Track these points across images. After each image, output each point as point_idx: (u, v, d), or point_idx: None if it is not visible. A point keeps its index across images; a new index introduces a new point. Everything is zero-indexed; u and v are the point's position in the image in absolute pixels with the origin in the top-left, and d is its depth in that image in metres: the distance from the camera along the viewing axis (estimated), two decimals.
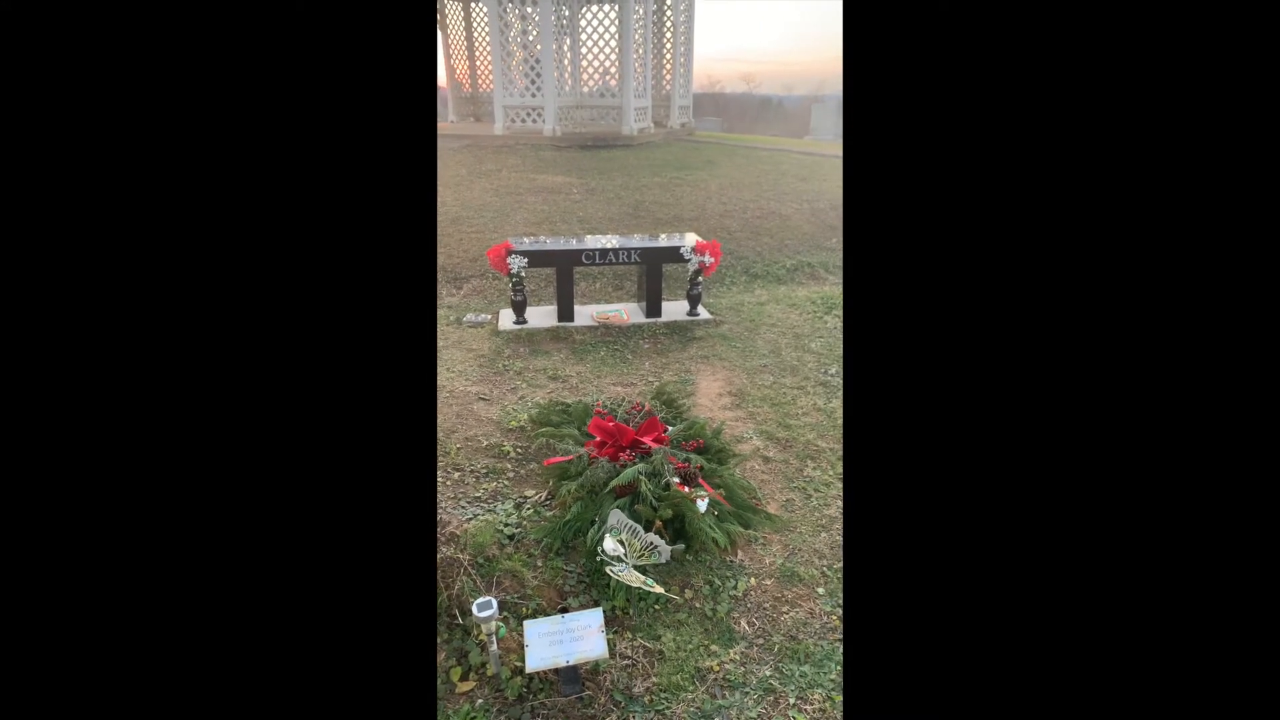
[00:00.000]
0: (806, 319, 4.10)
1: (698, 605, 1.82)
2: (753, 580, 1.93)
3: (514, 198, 6.09)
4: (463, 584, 1.68)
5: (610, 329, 3.84)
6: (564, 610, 1.74)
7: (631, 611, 1.76)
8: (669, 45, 11.11)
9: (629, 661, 1.64)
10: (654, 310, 3.99)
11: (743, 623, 1.79)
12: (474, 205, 5.82)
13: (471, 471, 2.39)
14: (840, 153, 7.74)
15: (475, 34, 11.66)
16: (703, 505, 2.01)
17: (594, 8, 9.81)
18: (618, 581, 1.66)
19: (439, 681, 1.55)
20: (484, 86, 11.78)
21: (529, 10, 9.76)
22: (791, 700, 1.56)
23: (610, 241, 3.91)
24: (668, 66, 11.26)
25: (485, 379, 3.17)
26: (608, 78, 10.04)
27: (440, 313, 4.03)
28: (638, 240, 3.96)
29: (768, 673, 1.63)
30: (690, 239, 3.95)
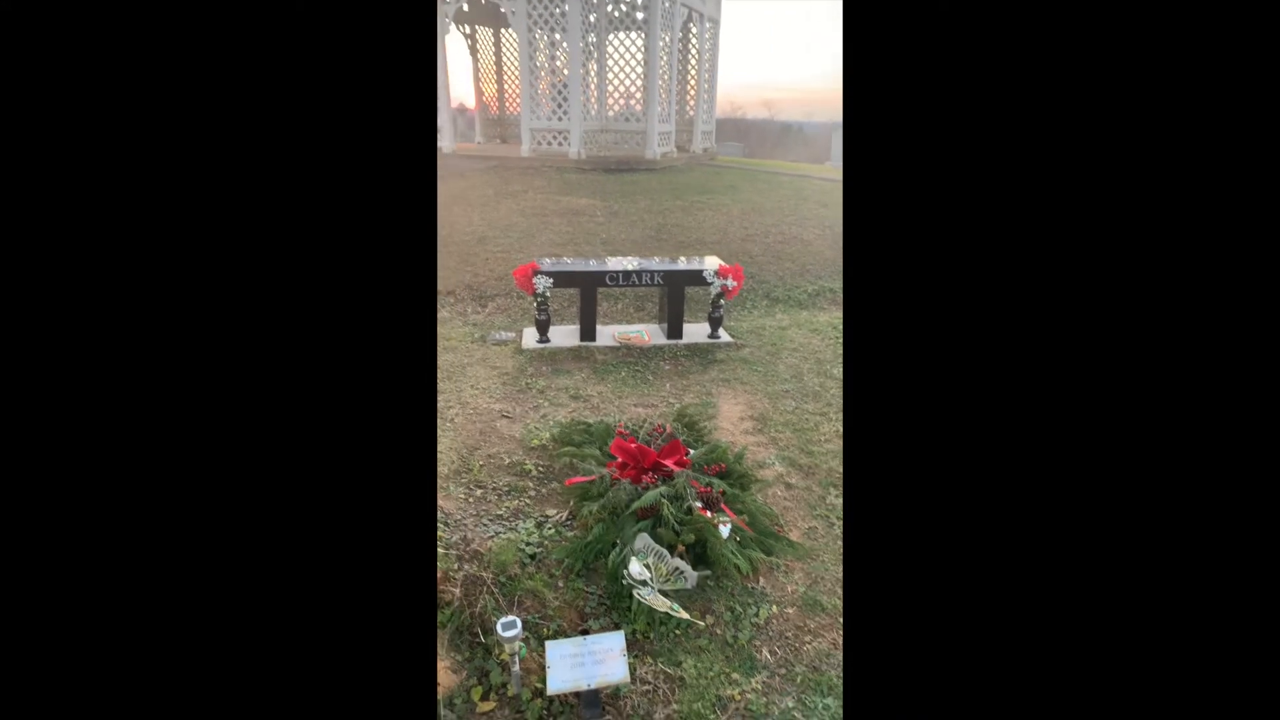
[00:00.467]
0: (829, 344, 4.09)
1: (719, 632, 1.81)
2: (775, 608, 1.91)
3: (539, 219, 6.18)
4: (485, 602, 1.69)
5: (631, 350, 3.87)
6: (585, 632, 1.74)
7: (652, 636, 1.75)
8: (693, 71, 11.29)
9: (649, 687, 1.63)
10: (675, 332, 4.01)
11: (764, 651, 1.77)
12: (500, 225, 5.92)
13: (494, 489, 2.41)
14: None
15: (504, 58, 11.95)
16: (725, 531, 2.01)
17: (621, 34, 10.01)
18: (639, 605, 1.66)
19: (460, 700, 1.55)
20: (512, 109, 12.04)
21: (557, 37, 9.99)
22: None
23: (632, 263, 3.95)
24: (691, 92, 11.43)
25: (509, 396, 3.20)
26: (632, 102, 10.21)
27: (465, 330, 4.09)
28: (661, 263, 4.00)
29: (790, 704, 1.61)
30: (712, 262, 3.97)
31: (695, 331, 4.11)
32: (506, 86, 12.11)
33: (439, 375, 3.40)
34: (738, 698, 1.62)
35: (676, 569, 1.67)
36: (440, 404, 3.06)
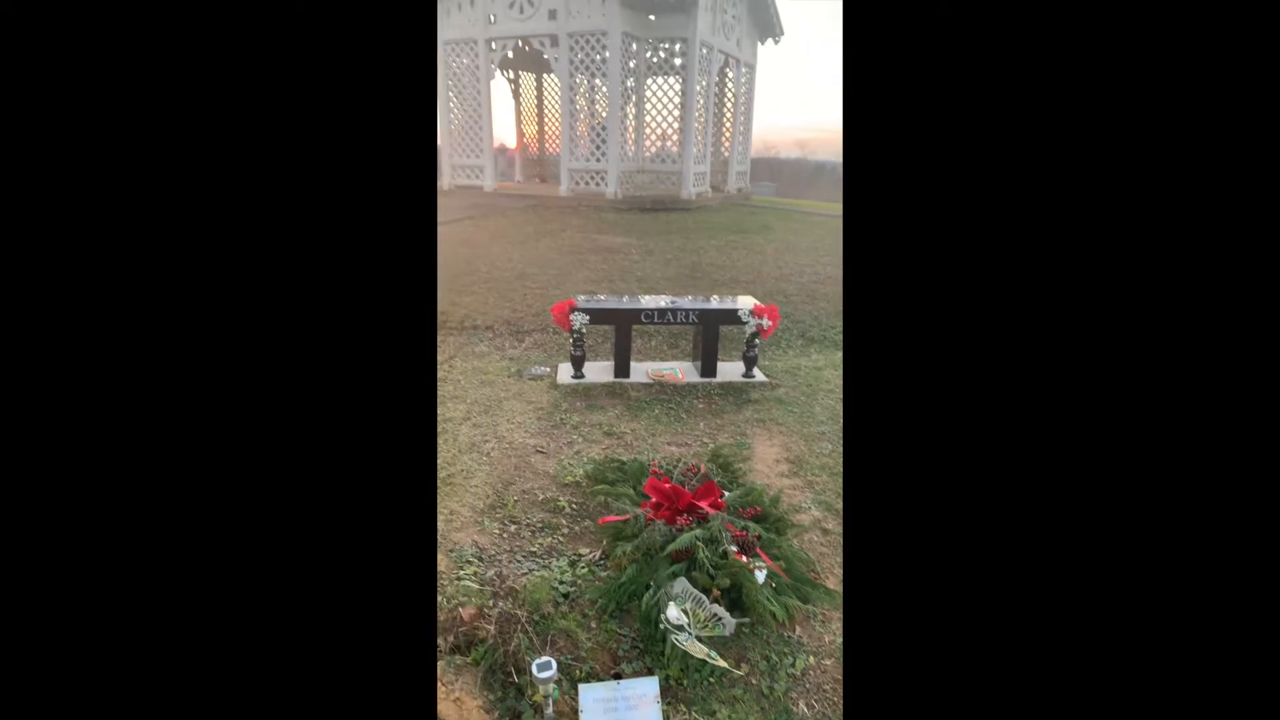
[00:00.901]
0: None
1: (754, 681, 1.76)
2: (811, 659, 1.86)
3: (576, 256, 6.31)
4: (519, 641, 1.68)
5: (665, 387, 3.88)
6: (618, 676, 1.71)
7: (686, 683, 1.72)
8: (729, 113, 11.53)
9: None
10: (709, 370, 4.01)
11: (801, 704, 1.72)
12: (539, 262, 6.06)
13: (527, 525, 2.42)
14: None
15: (546, 101, 12.39)
16: (761, 576, 1.97)
17: (659, 79, 10.33)
18: (673, 650, 1.63)
19: None
20: (551, 150, 12.43)
21: (597, 81, 10.36)
22: None
23: (667, 301, 3.99)
24: (727, 133, 11.66)
25: (543, 431, 3.23)
26: (668, 143, 10.45)
27: (502, 364, 4.16)
28: (695, 301, 4.04)
29: None
30: (747, 301, 3.99)
31: (729, 370, 4.11)
32: (547, 128, 12.53)
33: (477, 409, 3.45)
34: None
35: (714, 615, 1.65)
36: (477, 437, 3.11)
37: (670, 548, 2.00)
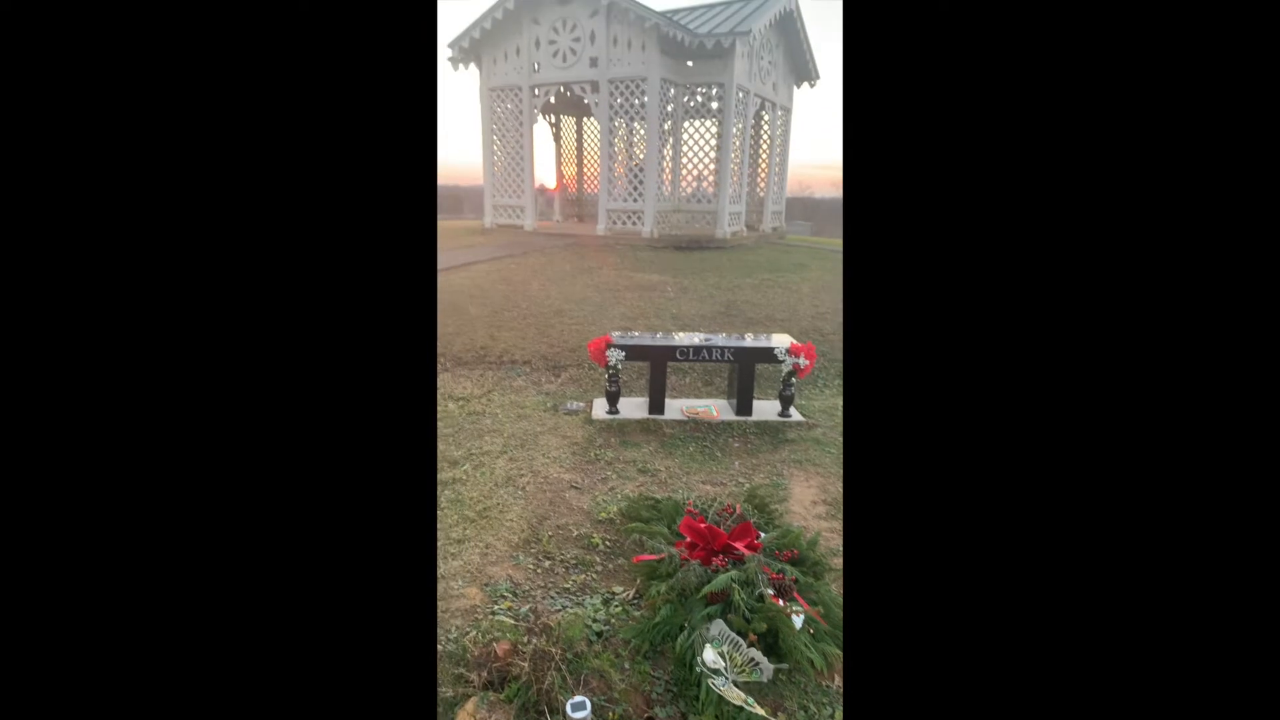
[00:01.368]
0: None
1: None
2: None
3: (612, 293, 6.41)
4: (553, 679, 1.67)
5: (700, 425, 3.87)
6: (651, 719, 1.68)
7: None
8: (764, 155, 11.69)
9: None
10: (745, 409, 3.99)
11: None
12: (575, 299, 6.18)
13: (561, 561, 2.42)
14: None
15: (585, 143, 12.78)
16: (798, 622, 1.93)
17: (696, 121, 10.57)
18: (708, 695, 1.60)
19: None
20: (589, 190, 12.76)
21: (635, 125, 10.66)
22: None
23: (700, 339, 4.02)
24: (762, 174, 11.80)
25: (578, 467, 3.24)
26: (704, 184, 10.63)
27: (538, 398, 4.22)
28: (731, 338, 4.05)
29: None
30: (783, 339, 3.98)
31: (765, 409, 4.08)
32: (585, 169, 12.90)
33: (514, 443, 3.50)
34: None
35: (752, 660, 1.61)
36: (513, 471, 3.14)
37: (705, 589, 1.98)
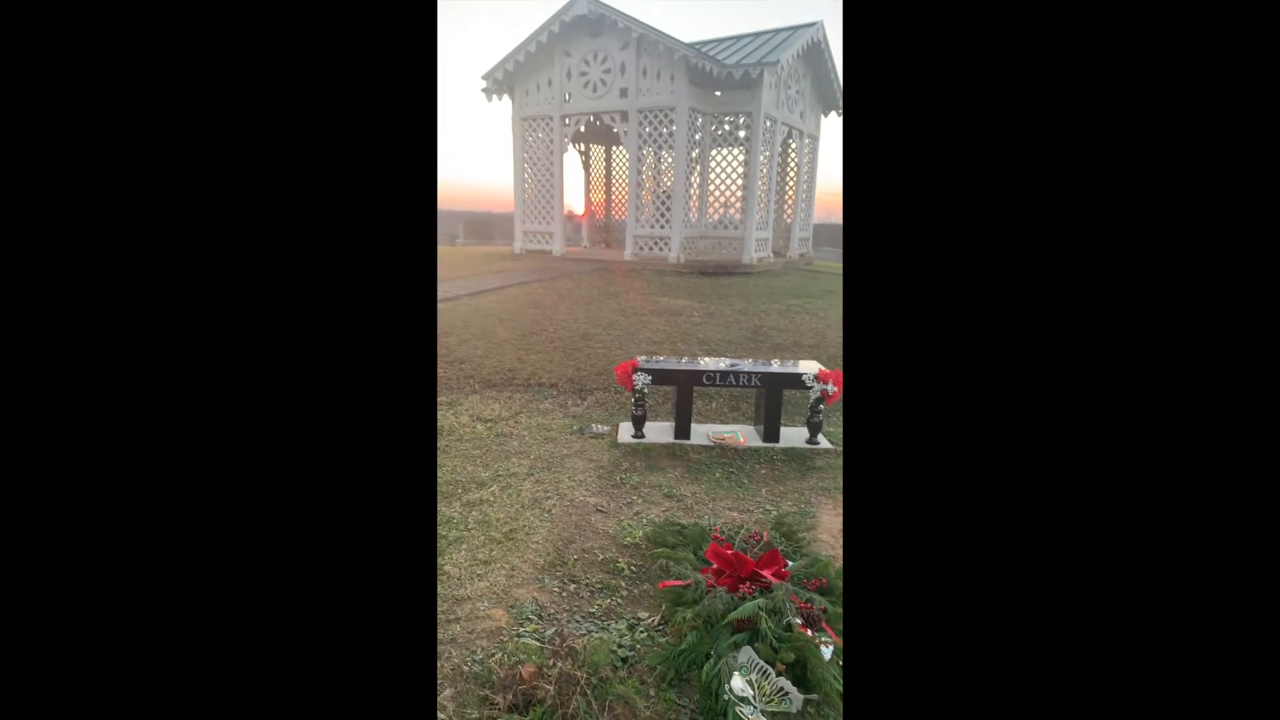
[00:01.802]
0: None
1: None
2: None
3: (638, 318, 6.46)
4: (578, 704, 1.66)
5: (726, 450, 3.85)
6: None
7: None
8: (791, 182, 11.75)
9: None
10: (772, 435, 3.96)
11: None
12: (602, 323, 6.23)
13: (587, 585, 2.41)
14: None
15: (614, 171, 13.01)
16: (827, 653, 1.89)
17: (723, 150, 10.70)
18: None
19: None
20: (617, 216, 12.94)
21: (663, 153, 10.83)
22: None
23: (726, 364, 4.01)
24: (790, 200, 11.85)
25: (603, 490, 3.25)
26: (731, 210, 10.70)
27: (564, 421, 4.24)
28: (758, 364, 4.04)
29: None
30: (810, 366, 3.96)
31: (792, 436, 4.05)
32: (614, 196, 13.10)
33: (540, 465, 3.52)
34: None
35: (781, 689, 1.59)
36: (540, 493, 3.16)
37: (732, 616, 1.95)
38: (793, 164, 11.65)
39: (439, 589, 2.32)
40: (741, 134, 10.12)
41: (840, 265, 13.26)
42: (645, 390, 3.87)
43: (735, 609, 1.99)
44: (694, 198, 10.18)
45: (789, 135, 10.99)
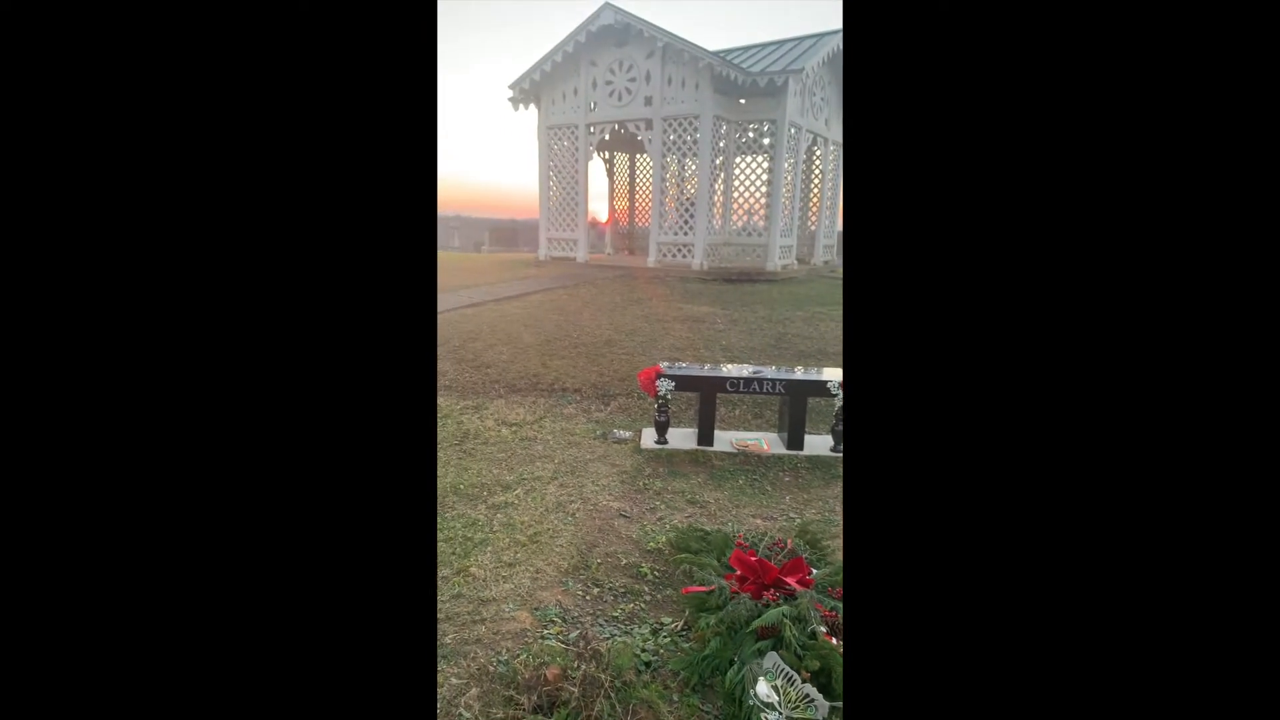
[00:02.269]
0: None
1: None
2: None
3: (661, 325, 6.47)
4: (602, 707, 1.67)
5: (749, 458, 3.83)
6: None
7: None
8: (816, 189, 11.70)
9: None
10: (796, 443, 3.94)
11: None
12: (625, 330, 6.26)
13: (610, 589, 2.42)
14: None
15: (638, 179, 13.08)
16: None
17: (747, 157, 10.70)
18: None
19: None
20: (641, 223, 13.00)
21: (687, 160, 10.86)
22: None
23: (750, 371, 4.00)
24: (814, 207, 11.79)
25: (626, 495, 3.26)
26: (755, 218, 10.69)
27: (588, 426, 4.27)
28: (781, 371, 4.02)
29: None
30: (834, 373, 3.93)
31: (817, 444, 4.02)
32: (637, 203, 13.17)
33: (564, 469, 3.54)
34: None
35: (807, 696, 1.58)
36: (564, 497, 3.18)
37: (756, 623, 1.95)
38: (817, 171, 11.59)
39: (465, 590, 2.35)
40: (766, 141, 10.11)
41: None
42: (668, 396, 3.88)
43: (759, 616, 1.98)
44: (718, 205, 10.19)
45: (813, 142, 10.95)
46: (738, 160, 10.62)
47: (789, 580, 2.17)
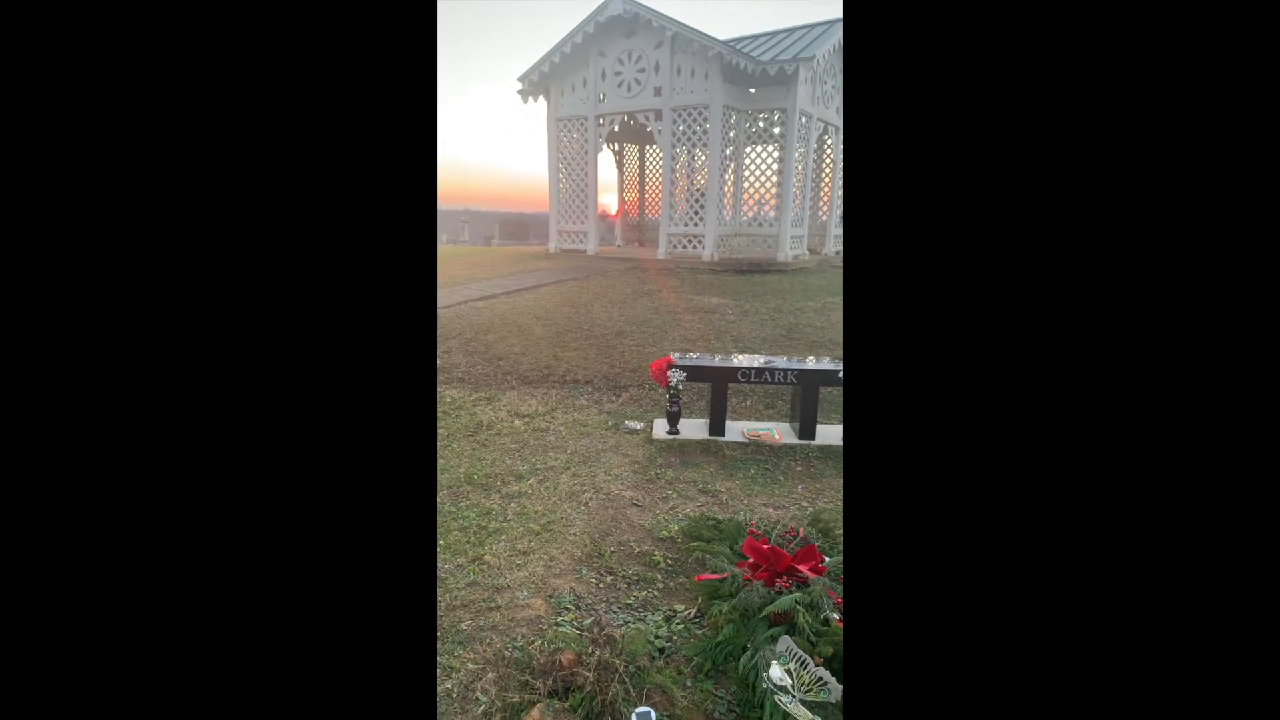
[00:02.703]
0: None
1: None
2: None
3: (672, 316, 6.47)
4: (616, 691, 1.69)
5: (761, 447, 3.83)
6: None
7: None
8: (827, 178, 11.60)
9: None
10: (808, 432, 3.93)
11: None
12: (636, 321, 6.27)
13: (623, 577, 2.44)
14: None
15: (647, 170, 13.03)
16: None
17: (758, 147, 10.62)
18: (772, 715, 1.58)
19: None
20: (651, 214, 12.97)
21: (697, 151, 10.81)
22: None
23: (761, 361, 4.00)
24: (825, 197, 11.70)
25: (639, 485, 3.27)
26: (765, 208, 10.62)
27: (600, 417, 4.29)
28: (793, 361, 4.01)
29: None
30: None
31: (829, 433, 4.01)
32: (647, 194, 13.13)
33: (576, 459, 3.57)
34: None
35: (820, 679, 1.59)
36: (576, 487, 3.20)
37: (768, 609, 1.96)
38: (828, 160, 11.49)
39: (480, 578, 2.38)
40: (776, 131, 10.03)
41: None
42: (680, 387, 3.89)
43: (772, 603, 1.99)
44: (728, 195, 10.13)
45: (824, 131, 10.85)
46: (748, 150, 10.55)
47: (801, 568, 2.18)
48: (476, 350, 5.50)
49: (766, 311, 6.68)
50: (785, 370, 3.89)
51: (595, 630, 1.93)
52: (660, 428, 4.06)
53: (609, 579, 2.42)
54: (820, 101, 10.22)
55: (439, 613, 2.15)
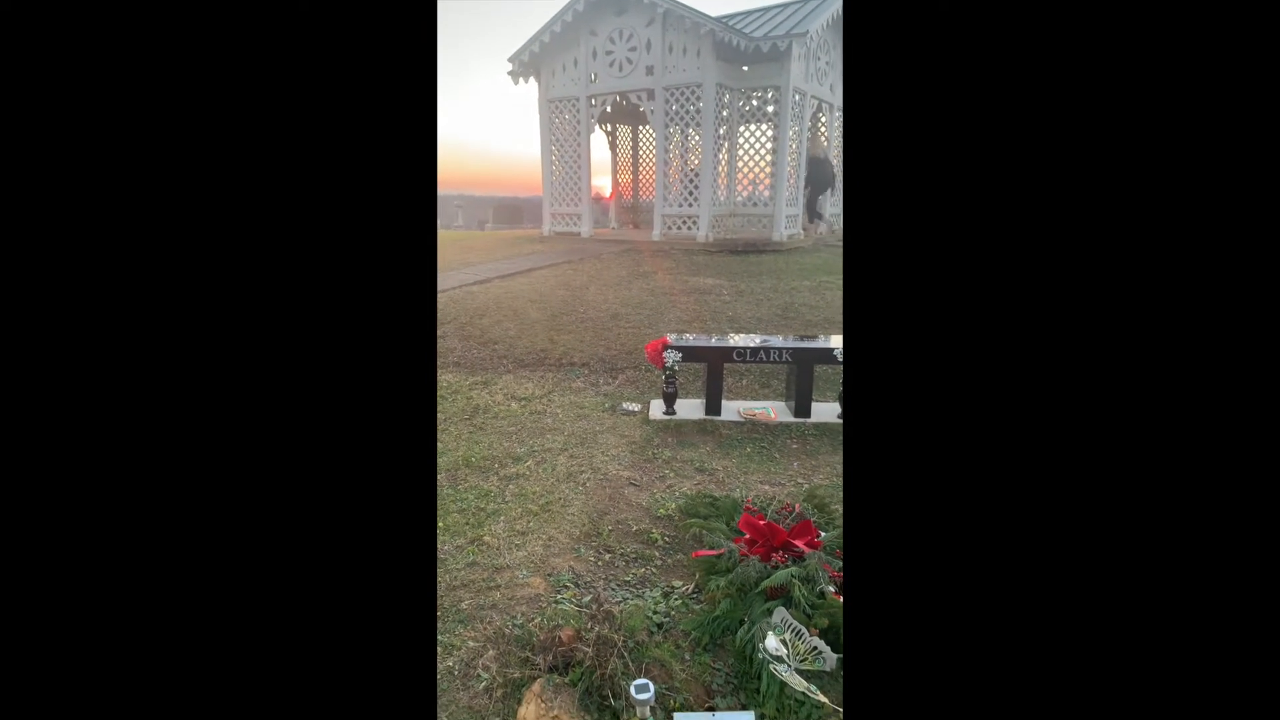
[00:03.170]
0: None
1: None
2: None
3: (667, 297, 6.46)
4: (615, 665, 1.72)
5: (757, 426, 3.85)
6: (712, 709, 1.70)
7: None
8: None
9: None
10: (803, 410, 3.95)
11: None
12: (632, 303, 6.26)
13: (621, 555, 2.47)
14: None
15: (641, 151, 12.93)
16: None
17: (752, 125, 10.53)
18: (769, 688, 1.61)
19: None
20: (645, 196, 12.89)
21: (690, 131, 10.71)
22: None
23: (757, 340, 4.00)
24: None
25: (636, 465, 3.29)
26: (760, 187, 10.55)
27: (597, 399, 4.30)
28: (789, 340, 4.02)
29: None
30: (840, 340, 3.93)
31: (824, 411, 4.03)
32: (641, 176, 13.04)
33: (574, 441, 3.58)
34: None
35: (814, 648, 1.62)
36: (574, 468, 3.22)
37: (765, 583, 1.98)
38: (824, 138, 11.40)
39: (479, 558, 2.40)
40: (770, 109, 9.94)
41: None
42: (676, 368, 3.89)
43: (768, 577, 2.01)
44: (722, 175, 10.06)
45: (818, 109, 10.75)
46: (741, 129, 10.46)
47: (797, 542, 2.20)
48: (472, 335, 5.49)
49: (762, 292, 6.68)
50: (780, 349, 3.90)
51: (594, 607, 1.95)
52: (657, 408, 4.07)
53: (607, 557, 2.45)
54: (814, 78, 10.11)
55: (439, 593, 2.18)
